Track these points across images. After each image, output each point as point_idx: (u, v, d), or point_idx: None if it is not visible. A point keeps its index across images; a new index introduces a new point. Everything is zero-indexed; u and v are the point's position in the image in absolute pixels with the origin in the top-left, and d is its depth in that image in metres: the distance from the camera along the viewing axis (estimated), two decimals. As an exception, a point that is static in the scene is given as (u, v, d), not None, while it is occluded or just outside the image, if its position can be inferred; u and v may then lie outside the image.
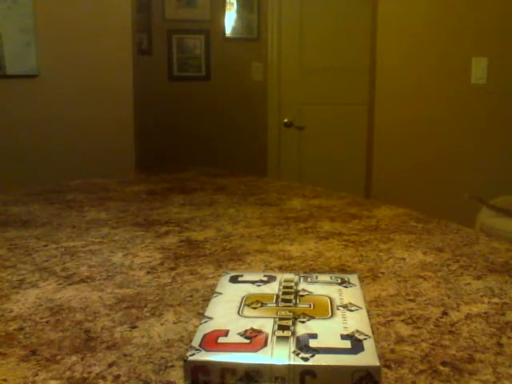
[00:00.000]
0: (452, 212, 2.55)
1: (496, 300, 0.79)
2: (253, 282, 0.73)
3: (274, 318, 0.62)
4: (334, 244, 1.06)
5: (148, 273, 0.90)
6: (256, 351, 0.55)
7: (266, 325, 0.60)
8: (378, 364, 0.53)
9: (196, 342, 0.57)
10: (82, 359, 0.62)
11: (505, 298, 0.80)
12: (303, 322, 0.61)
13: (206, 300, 0.77)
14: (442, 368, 0.60)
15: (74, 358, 0.62)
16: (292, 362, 0.53)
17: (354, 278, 0.75)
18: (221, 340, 0.57)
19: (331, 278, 0.75)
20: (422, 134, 3.06)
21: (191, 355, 0.54)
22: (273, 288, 0.71)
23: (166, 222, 1.23)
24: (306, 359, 0.53)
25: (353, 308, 0.65)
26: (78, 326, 0.70)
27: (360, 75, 3.36)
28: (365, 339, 0.57)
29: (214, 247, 1.04)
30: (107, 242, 1.07)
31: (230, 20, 4.17)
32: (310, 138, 3.85)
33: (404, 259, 0.97)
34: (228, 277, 0.76)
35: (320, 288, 0.71)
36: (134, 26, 2.94)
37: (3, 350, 0.64)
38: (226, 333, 0.58)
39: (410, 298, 0.80)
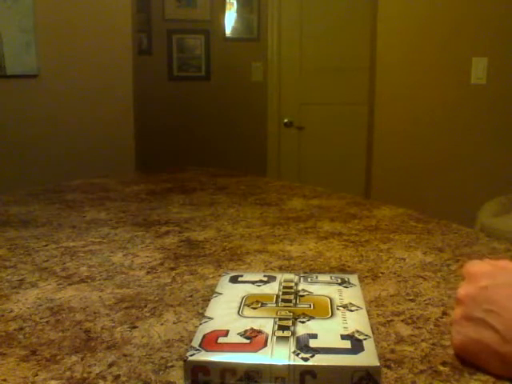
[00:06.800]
0: (452, 212, 2.55)
1: (496, 300, 0.79)
2: (253, 282, 0.73)
3: (274, 318, 0.62)
4: (334, 244, 1.06)
5: (148, 273, 0.90)
6: (256, 351, 0.55)
7: (266, 325, 0.60)
8: (377, 364, 0.53)
9: (196, 342, 0.57)
10: (82, 359, 0.62)
11: (505, 298, 0.80)
12: (303, 322, 0.61)
13: (206, 300, 0.77)
14: (441, 368, 0.60)
15: (74, 357, 0.62)
16: (292, 362, 0.53)
17: (354, 278, 0.75)
18: (221, 340, 0.57)
19: (331, 278, 0.75)
20: (422, 134, 3.06)
21: (191, 355, 0.54)
22: (273, 288, 0.71)
23: (166, 221, 1.23)
24: (306, 359, 0.53)
25: (353, 308, 0.65)
26: (78, 326, 0.70)
27: (360, 75, 3.37)
28: (365, 339, 0.57)
29: (214, 247, 1.04)
30: (107, 242, 1.07)
31: (230, 20, 4.17)
32: (310, 137, 3.85)
33: (404, 259, 0.97)
34: (228, 277, 0.76)
35: (320, 288, 0.71)
36: (134, 26, 2.94)
37: (3, 350, 0.64)
38: (226, 333, 0.58)
39: (410, 297, 0.80)
